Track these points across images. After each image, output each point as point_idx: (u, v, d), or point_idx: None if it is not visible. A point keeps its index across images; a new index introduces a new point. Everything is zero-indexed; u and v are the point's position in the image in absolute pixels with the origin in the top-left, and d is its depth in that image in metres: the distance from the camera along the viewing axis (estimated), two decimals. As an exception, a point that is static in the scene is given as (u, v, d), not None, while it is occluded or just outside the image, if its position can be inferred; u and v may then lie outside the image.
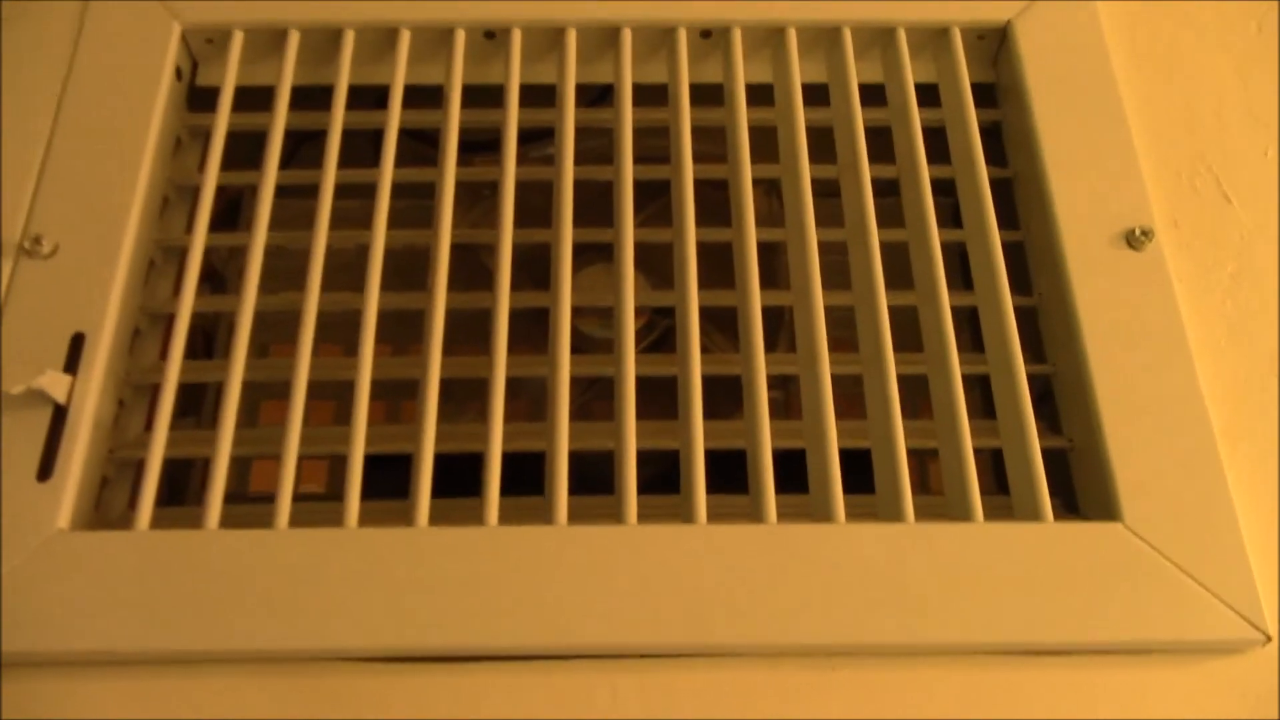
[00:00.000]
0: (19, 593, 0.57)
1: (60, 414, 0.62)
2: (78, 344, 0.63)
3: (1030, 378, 0.65)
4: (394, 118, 0.73)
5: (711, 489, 0.62)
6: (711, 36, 0.78)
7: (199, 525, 0.60)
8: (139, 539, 0.59)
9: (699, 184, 0.72)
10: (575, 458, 0.63)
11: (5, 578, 0.57)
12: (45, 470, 0.60)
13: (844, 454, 0.63)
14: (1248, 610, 0.58)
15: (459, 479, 0.66)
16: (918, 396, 0.73)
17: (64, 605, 0.57)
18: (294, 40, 0.75)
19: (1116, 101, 0.74)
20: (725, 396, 0.75)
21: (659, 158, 0.75)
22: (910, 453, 0.64)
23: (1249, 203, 0.72)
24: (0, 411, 0.61)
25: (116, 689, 0.56)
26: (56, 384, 0.61)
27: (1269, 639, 0.58)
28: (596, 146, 0.78)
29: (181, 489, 0.81)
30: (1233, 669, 0.58)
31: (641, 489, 0.62)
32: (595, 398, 0.85)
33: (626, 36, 0.76)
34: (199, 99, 0.78)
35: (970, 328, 0.74)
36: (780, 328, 0.82)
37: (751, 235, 0.69)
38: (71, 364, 0.63)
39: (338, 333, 0.74)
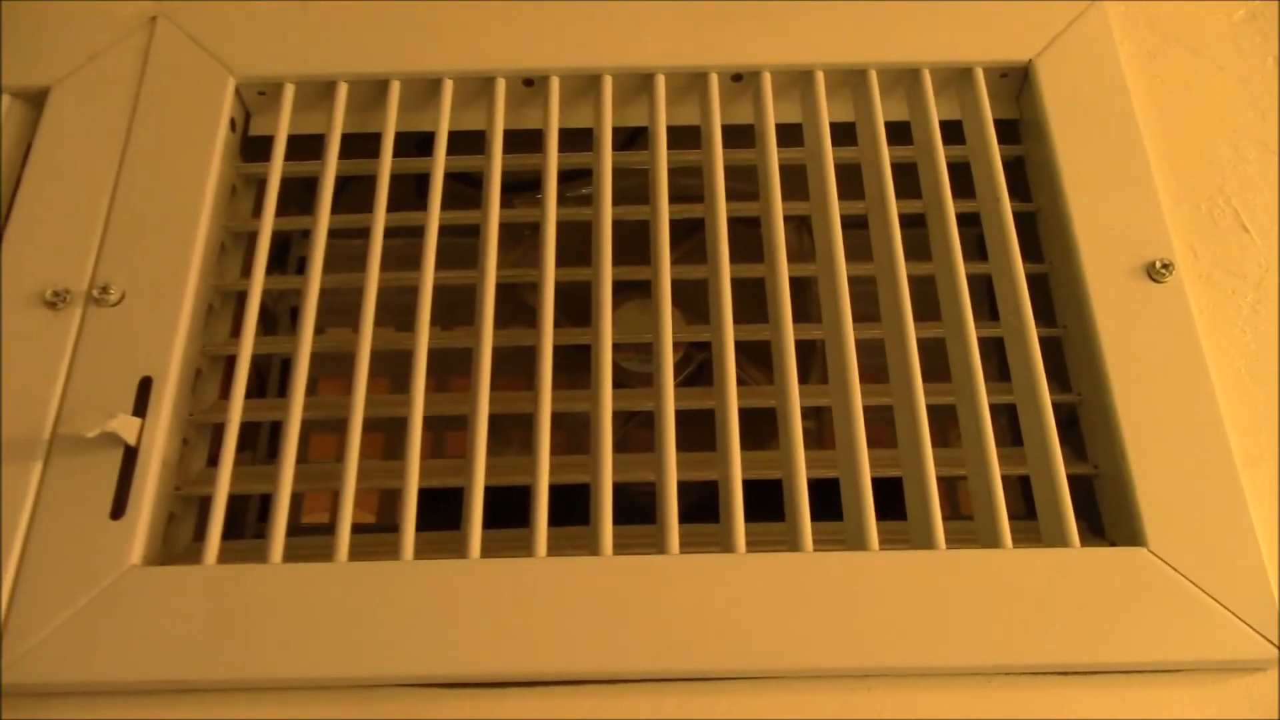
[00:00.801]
0: (96, 625, 0.60)
1: (131, 455, 0.65)
2: (145, 387, 0.67)
3: (1056, 406, 0.67)
4: (439, 162, 0.76)
5: (750, 516, 0.64)
6: (742, 80, 0.81)
7: (262, 558, 0.63)
8: (208, 573, 0.62)
9: (732, 221, 0.74)
10: (615, 487, 0.66)
11: (83, 612, 0.60)
12: (118, 509, 0.63)
13: (877, 481, 0.66)
14: (1269, 630, 0.60)
15: (502, 504, 0.68)
16: (948, 423, 0.75)
17: (138, 637, 0.60)
18: (342, 91, 0.79)
19: (1136, 136, 0.76)
20: (761, 426, 0.78)
21: (693, 196, 0.77)
22: (942, 478, 0.66)
23: (1267, 234, 0.74)
24: (77, 454, 0.65)
25: (189, 718, 0.59)
26: (127, 427, 0.64)
27: (1291, 658, 0.60)
28: (632, 186, 0.80)
29: (239, 520, 0.84)
30: (1256, 687, 0.60)
31: (681, 517, 0.64)
32: (635, 427, 0.87)
33: (660, 81, 0.79)
34: (252, 148, 0.81)
35: (997, 357, 0.76)
36: (813, 359, 0.85)
37: (784, 270, 0.72)
38: (140, 407, 0.66)
39: (384, 365, 0.77)
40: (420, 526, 0.65)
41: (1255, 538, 0.63)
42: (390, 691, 0.60)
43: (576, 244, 0.76)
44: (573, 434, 0.88)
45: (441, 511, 0.69)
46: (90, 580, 0.61)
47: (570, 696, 0.60)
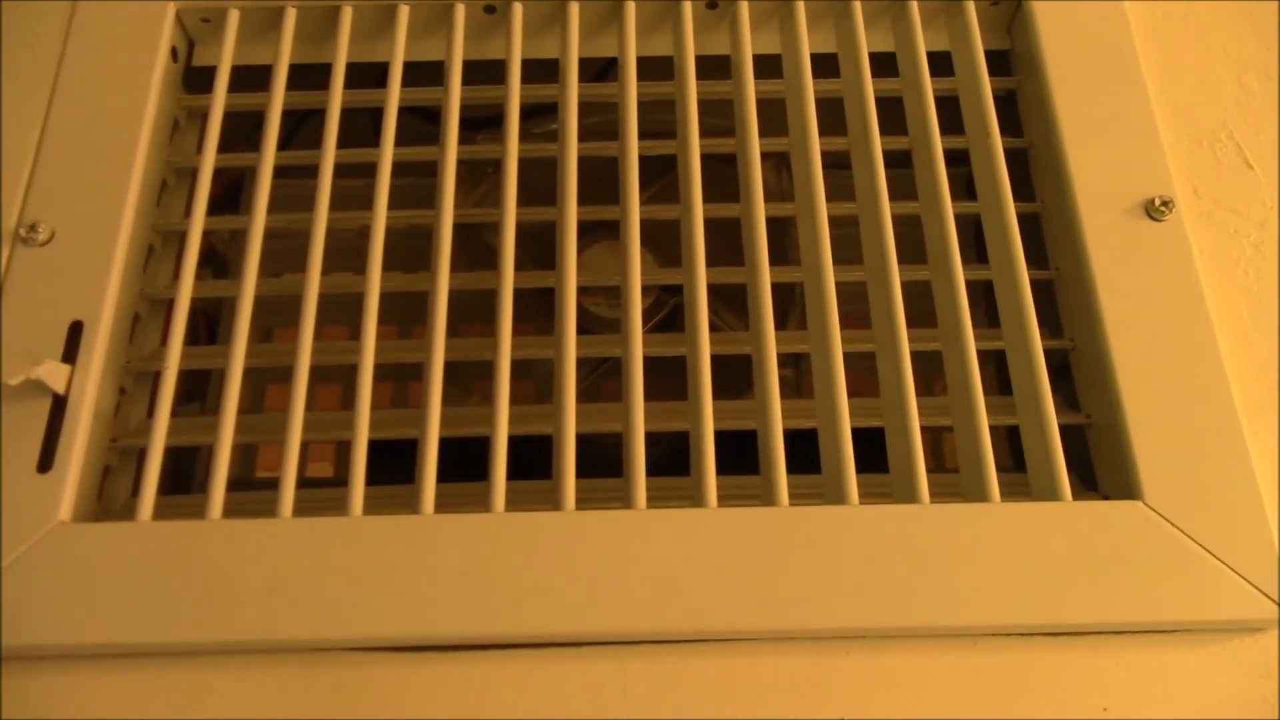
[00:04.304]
0: (20, 586, 0.56)
1: (60, 404, 0.61)
2: (76, 332, 0.62)
3: (1048, 353, 0.64)
4: (394, 95, 0.71)
5: (723, 469, 0.61)
6: (718, 7, 0.77)
7: (202, 514, 0.59)
8: (141, 530, 0.58)
9: (706, 158, 0.70)
10: (583, 439, 0.62)
11: (6, 571, 0.56)
12: (45, 462, 0.59)
13: (858, 432, 0.62)
14: (1272, 588, 0.57)
15: (469, 459, 0.65)
16: (933, 372, 0.72)
17: (65, 598, 0.56)
18: (291, 18, 0.74)
19: (1135, 67, 0.72)
20: (736, 374, 0.74)
21: (665, 132, 0.74)
22: (926, 429, 0.63)
23: (1272, 170, 0.70)
24: (1, 404, 0.60)
25: (119, 683, 0.56)
26: (55, 374, 0.60)
27: (1294, 618, 0.57)
28: (601, 122, 0.76)
29: (188, 475, 0.81)
30: (1257, 648, 0.58)
31: (651, 469, 0.61)
32: (603, 377, 0.84)
33: (630, 9, 0.75)
34: (196, 79, 0.77)
35: (986, 302, 0.73)
36: (791, 304, 0.81)
37: (760, 210, 0.68)
38: (70, 353, 0.62)
39: (344, 314, 0.74)
40: (385, 480, 0.61)
41: (1258, 491, 0.59)
42: (336, 656, 0.56)
43: (542, 182, 0.72)
44: (543, 384, 0.85)
45: (408, 466, 0.66)
46: (15, 538, 0.57)
47: (527, 661, 0.56)
